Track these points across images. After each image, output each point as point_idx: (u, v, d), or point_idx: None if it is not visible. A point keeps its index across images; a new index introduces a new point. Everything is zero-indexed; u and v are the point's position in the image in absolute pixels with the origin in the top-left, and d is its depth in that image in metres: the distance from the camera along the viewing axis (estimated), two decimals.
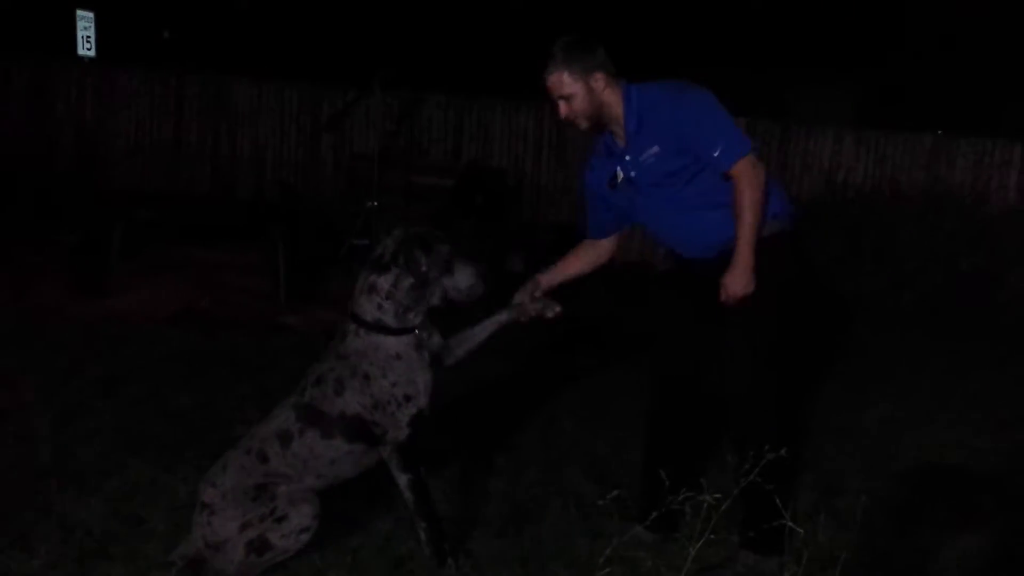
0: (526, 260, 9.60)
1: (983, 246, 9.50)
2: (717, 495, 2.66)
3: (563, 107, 3.54)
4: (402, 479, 3.37)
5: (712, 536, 2.71)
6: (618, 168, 3.64)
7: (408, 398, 3.37)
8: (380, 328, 3.38)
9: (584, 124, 3.58)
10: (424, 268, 3.37)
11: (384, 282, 3.40)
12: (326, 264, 8.35)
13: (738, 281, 3.43)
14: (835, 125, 11.50)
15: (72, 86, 12.17)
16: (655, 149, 3.50)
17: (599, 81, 3.48)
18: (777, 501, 2.91)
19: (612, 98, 3.52)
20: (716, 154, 3.42)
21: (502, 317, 3.74)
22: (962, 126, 11.21)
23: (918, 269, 9.25)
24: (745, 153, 3.43)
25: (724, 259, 3.46)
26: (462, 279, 3.47)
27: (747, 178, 3.42)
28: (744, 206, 3.42)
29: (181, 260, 8.10)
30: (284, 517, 3.23)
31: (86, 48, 12.30)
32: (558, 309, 3.84)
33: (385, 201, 9.52)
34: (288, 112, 12.00)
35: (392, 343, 3.39)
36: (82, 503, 3.70)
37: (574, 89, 3.49)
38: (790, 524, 2.82)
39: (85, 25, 12.27)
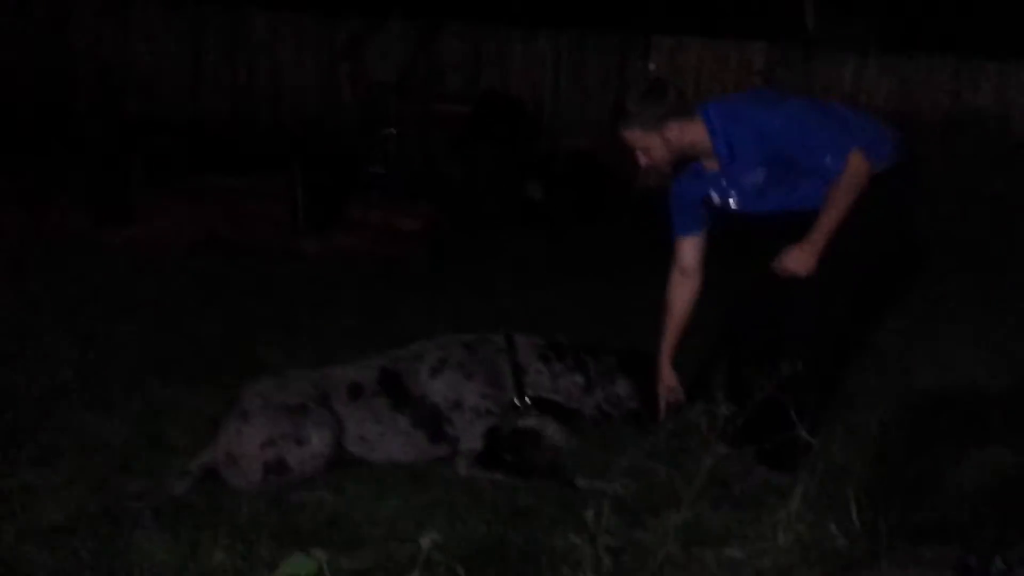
0: (545, 187, 9.56)
1: (1006, 171, 9.37)
2: (733, 407, 2.68)
3: (642, 158, 3.53)
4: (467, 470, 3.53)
5: (727, 449, 2.73)
6: (711, 192, 3.60)
7: (490, 412, 3.58)
8: (518, 375, 3.71)
9: (667, 169, 3.58)
10: (591, 375, 3.77)
11: (557, 367, 3.76)
12: (344, 191, 8.34)
13: (800, 259, 3.41)
14: (857, 48, 11.30)
15: (91, 18, 12.10)
16: (760, 172, 3.47)
17: (673, 130, 3.44)
18: (792, 415, 2.93)
19: (694, 135, 3.48)
20: (827, 161, 3.37)
21: (558, 435, 3.80)
22: (986, 49, 10.97)
23: (940, 194, 9.13)
24: (852, 147, 3.36)
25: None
26: (622, 389, 3.81)
27: (851, 171, 3.35)
28: (837, 197, 3.37)
29: (201, 188, 8.10)
30: (306, 439, 3.29)
31: None
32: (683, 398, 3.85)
33: (403, 130, 9.48)
34: (305, 41, 11.89)
35: (511, 385, 3.69)
36: (104, 422, 3.77)
37: (649, 142, 3.48)
38: (805, 437, 2.84)
39: None
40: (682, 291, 3.80)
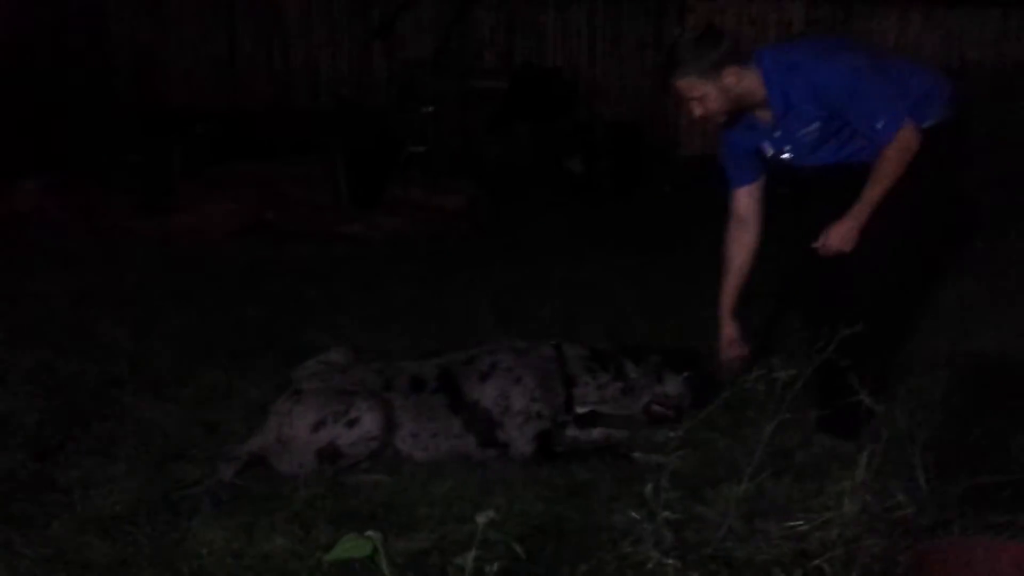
0: (584, 160, 9.48)
1: None
2: (792, 371, 2.61)
3: (697, 108, 3.36)
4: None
5: (788, 415, 2.67)
6: (765, 144, 3.50)
7: (540, 416, 3.52)
8: (568, 385, 3.64)
9: (721, 119, 3.44)
10: (633, 376, 3.70)
11: (602, 376, 3.68)
12: (385, 172, 8.32)
13: (842, 236, 3.35)
14: (899, 3, 11.05)
15: (127, 7, 12.16)
16: (815, 126, 3.37)
17: (731, 76, 3.29)
18: (854, 380, 2.86)
19: (750, 84, 3.33)
20: (879, 127, 3.26)
21: (618, 435, 3.73)
22: None
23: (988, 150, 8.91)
24: (904, 117, 3.26)
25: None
26: (671, 387, 3.71)
27: (900, 145, 3.26)
28: (883, 172, 3.28)
29: (242, 175, 8.12)
30: (357, 420, 3.27)
31: None
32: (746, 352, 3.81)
33: (441, 107, 9.43)
34: (339, 21, 11.86)
35: (562, 390, 3.63)
36: (159, 409, 3.78)
37: (706, 90, 3.31)
38: (868, 402, 2.76)
39: None
40: (740, 241, 3.71)
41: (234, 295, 5.44)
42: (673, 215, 8.18)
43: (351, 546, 1.84)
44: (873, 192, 3.30)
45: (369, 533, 2.22)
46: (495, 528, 2.84)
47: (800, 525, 2.81)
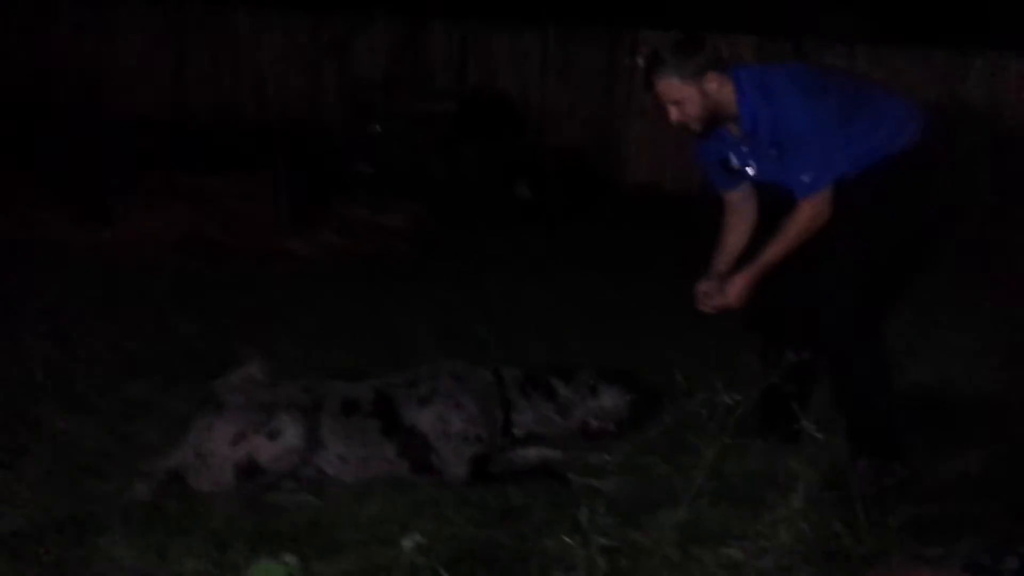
0: (532, 185, 9.44)
1: (998, 162, 9.24)
2: (736, 396, 2.54)
3: (674, 112, 3.35)
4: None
5: (728, 440, 2.60)
6: (731, 155, 3.51)
7: (478, 439, 3.42)
8: (506, 409, 3.54)
9: (697, 127, 3.40)
10: (563, 393, 3.59)
11: (536, 397, 3.59)
12: (329, 190, 8.21)
13: (737, 292, 3.41)
14: (847, 40, 11.20)
15: (72, 15, 11.95)
16: (773, 152, 3.38)
17: (712, 82, 3.29)
18: (794, 405, 2.81)
19: (727, 96, 3.33)
20: (806, 180, 3.29)
21: (555, 457, 3.62)
22: (977, 40, 10.88)
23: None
24: (825, 188, 3.30)
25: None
26: (607, 400, 3.60)
27: (810, 213, 3.32)
28: (790, 233, 3.33)
29: (183, 187, 7.95)
30: (278, 432, 3.14)
31: None
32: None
33: (389, 127, 9.36)
34: (290, 38, 11.76)
35: (499, 414, 3.53)
36: (75, 422, 3.62)
37: (686, 93, 3.29)
38: (808, 429, 2.71)
39: None
40: (736, 223, 3.64)
41: (165, 308, 5.27)
42: (618, 241, 8.16)
43: (266, 570, 1.73)
44: (774, 251, 3.36)
45: (286, 557, 2.11)
46: (423, 552, 2.75)
47: (736, 554, 2.74)
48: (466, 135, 10.11)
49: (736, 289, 3.43)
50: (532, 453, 3.59)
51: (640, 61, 11.18)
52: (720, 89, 3.29)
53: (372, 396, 3.40)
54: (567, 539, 2.68)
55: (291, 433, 3.14)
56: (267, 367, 3.53)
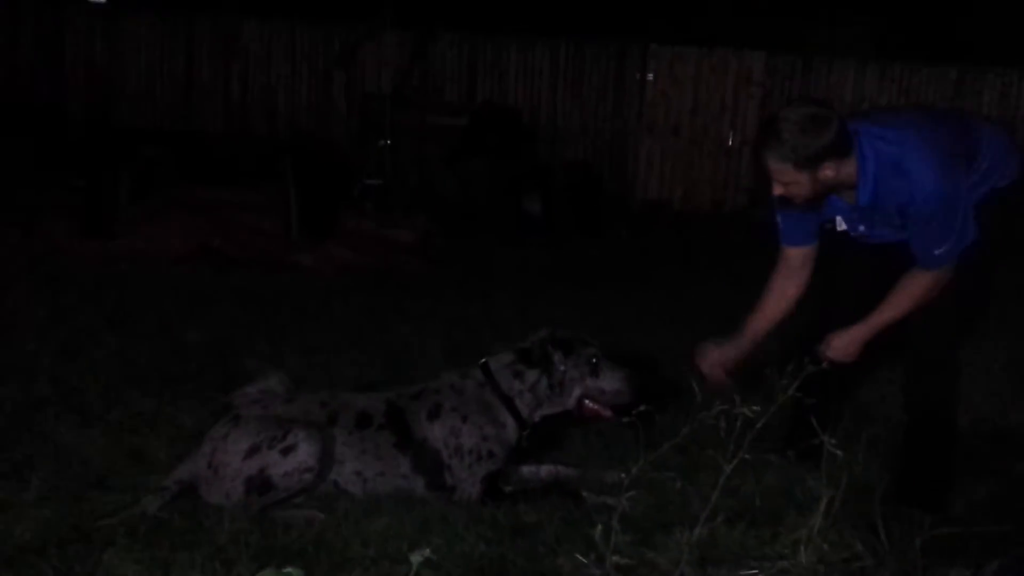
0: (542, 200, 9.41)
1: None
2: (755, 407, 2.48)
3: (779, 188, 3.10)
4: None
5: (747, 456, 2.53)
6: (839, 219, 3.30)
7: (491, 455, 3.33)
8: (509, 404, 3.40)
9: (802, 204, 3.16)
10: (562, 368, 3.38)
11: (531, 376, 3.40)
12: (338, 203, 8.18)
13: (843, 348, 3.25)
14: (857, 58, 11.18)
15: (83, 30, 12.00)
16: (898, 221, 3.17)
17: (829, 170, 3.02)
18: (813, 420, 2.74)
19: (846, 176, 3.08)
20: (937, 252, 3.09)
21: (568, 474, 3.52)
22: (987, 56, 10.86)
23: None
24: (953, 261, 3.12)
25: None
26: (608, 383, 3.41)
27: (936, 278, 3.13)
28: (906, 298, 3.16)
29: (193, 200, 7.94)
30: (292, 448, 3.08)
31: None
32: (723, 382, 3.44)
33: (398, 141, 9.34)
34: (299, 51, 11.78)
35: (506, 415, 3.39)
36: (81, 434, 3.56)
37: (797, 178, 3.04)
38: (830, 445, 2.64)
39: None
40: (784, 283, 3.41)
41: (173, 320, 5.23)
42: (628, 257, 8.13)
43: None
44: (886, 315, 3.20)
45: (289, 570, 2.05)
46: (432, 568, 2.69)
47: (754, 574, 2.68)
48: (475, 149, 10.09)
49: (844, 344, 3.25)
50: (545, 470, 3.51)
51: (650, 76, 11.20)
52: (838, 174, 3.05)
53: (384, 408, 3.34)
54: (581, 558, 2.62)
55: (304, 451, 3.08)
56: (286, 380, 3.48)
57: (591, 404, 3.43)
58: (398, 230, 8.00)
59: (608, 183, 10.80)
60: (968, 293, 3.29)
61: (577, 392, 3.42)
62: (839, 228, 3.30)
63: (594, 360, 3.40)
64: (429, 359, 4.71)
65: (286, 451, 3.07)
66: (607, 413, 3.42)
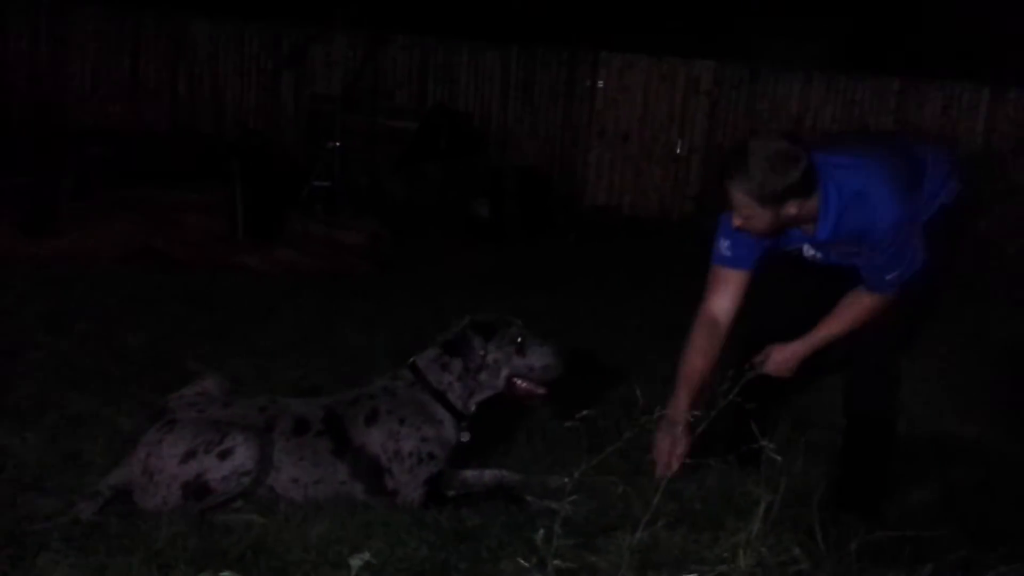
0: (491, 204, 9.42)
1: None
2: (696, 413, 2.50)
3: (739, 220, 3.07)
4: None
5: (688, 461, 2.55)
6: (805, 247, 3.29)
7: (432, 457, 3.31)
8: (442, 399, 3.37)
9: (759, 236, 3.16)
10: (483, 353, 3.35)
11: (456, 365, 3.37)
12: (286, 205, 8.11)
13: (781, 363, 3.29)
14: (804, 69, 11.33)
15: (26, 27, 11.77)
16: (856, 249, 3.16)
17: (791, 208, 3.00)
18: (753, 426, 2.77)
19: (807, 211, 3.06)
20: (888, 278, 3.13)
21: (512, 479, 3.48)
22: (930, 70, 11.05)
23: None
24: (894, 288, 3.15)
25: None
26: (536, 359, 3.37)
27: (880, 302, 3.17)
28: (848, 318, 3.21)
29: (137, 200, 7.80)
30: (230, 452, 3.04)
31: None
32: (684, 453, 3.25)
33: (348, 143, 9.28)
34: (248, 52, 11.66)
35: (442, 411, 3.37)
36: (15, 437, 3.49)
37: (759, 213, 3.02)
38: (769, 451, 2.67)
39: None
40: (703, 344, 3.30)
41: (114, 321, 5.15)
42: (576, 262, 8.16)
43: None
44: (827, 333, 3.24)
45: (226, 574, 2.02)
46: (372, 573, 2.67)
47: None
48: (426, 153, 10.08)
49: (783, 359, 3.28)
50: (489, 475, 3.50)
51: (600, 83, 11.25)
52: (800, 211, 3.04)
53: (322, 415, 3.31)
54: (523, 562, 2.60)
55: (243, 454, 3.04)
56: (224, 383, 3.43)
57: (522, 384, 3.39)
58: (346, 232, 7.94)
59: (558, 188, 10.82)
60: (914, 305, 3.34)
61: (505, 373, 3.38)
62: (806, 255, 3.31)
63: (519, 339, 3.37)
64: (376, 362, 4.68)
65: (223, 455, 3.03)
66: (540, 391, 3.39)
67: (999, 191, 8.85)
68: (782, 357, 3.28)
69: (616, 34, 11.98)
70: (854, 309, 3.21)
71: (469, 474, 3.48)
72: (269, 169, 8.38)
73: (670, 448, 3.23)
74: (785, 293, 3.56)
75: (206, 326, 5.27)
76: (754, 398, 2.90)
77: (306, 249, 7.44)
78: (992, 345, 5.81)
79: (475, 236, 8.85)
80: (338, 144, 9.08)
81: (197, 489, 3.00)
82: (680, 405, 3.23)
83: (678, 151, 11.29)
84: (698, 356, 3.30)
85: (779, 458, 2.71)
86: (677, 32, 12.46)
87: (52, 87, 11.76)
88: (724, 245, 3.29)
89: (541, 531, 2.50)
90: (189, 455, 3.01)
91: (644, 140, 11.30)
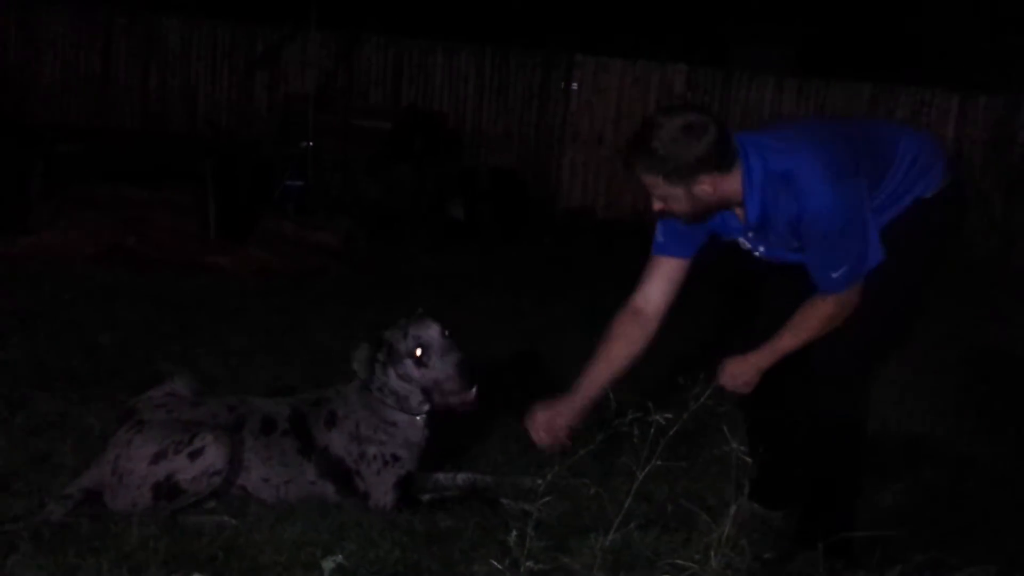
0: (465, 205, 9.42)
1: None
2: (668, 415, 2.51)
3: (657, 204, 2.89)
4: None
5: (660, 463, 2.57)
6: (742, 239, 3.07)
7: (396, 459, 3.29)
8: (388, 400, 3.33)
9: (687, 220, 2.95)
10: (381, 361, 3.29)
11: (392, 369, 3.30)
12: (258, 204, 8.07)
13: (737, 375, 3.03)
14: (776, 73, 11.41)
15: None
16: (795, 243, 2.94)
17: (705, 184, 2.78)
18: (724, 428, 2.79)
19: (729, 190, 2.84)
20: (835, 276, 2.84)
21: (485, 481, 3.48)
22: (902, 75, 11.17)
23: None
24: (856, 282, 2.88)
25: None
26: (438, 371, 3.25)
27: (840, 302, 2.89)
28: (807, 324, 2.94)
29: (107, 198, 7.72)
30: (200, 452, 3.02)
31: None
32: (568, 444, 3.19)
33: (321, 143, 9.25)
34: (220, 50, 11.60)
35: (393, 413, 3.32)
36: None
37: (671, 192, 2.82)
38: (740, 453, 2.69)
39: None
40: (629, 337, 3.16)
41: (83, 320, 5.11)
42: (550, 264, 8.17)
43: None
44: (785, 343, 2.98)
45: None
46: (345, 575, 2.66)
47: None
48: (399, 153, 10.05)
49: (738, 371, 3.04)
50: (462, 477, 3.50)
51: (575, 85, 11.28)
52: (717, 189, 2.81)
53: (287, 413, 3.30)
54: (496, 563, 2.61)
55: (213, 454, 3.02)
56: (193, 383, 3.41)
57: (439, 397, 3.29)
58: (319, 232, 7.91)
59: (532, 190, 10.83)
60: (887, 307, 3.04)
61: (416, 382, 3.29)
62: (744, 248, 3.12)
63: (417, 351, 3.26)
64: (347, 364, 4.66)
65: (194, 455, 3.02)
66: (458, 400, 3.25)
67: (969, 196, 8.95)
68: (737, 369, 3.04)
69: (591, 37, 12.04)
70: (810, 315, 2.94)
71: (442, 476, 3.48)
72: (241, 168, 8.35)
73: (548, 420, 3.14)
74: (762, 300, 3.48)
75: (177, 326, 5.24)
76: (728, 400, 2.91)
77: (278, 249, 7.40)
78: (964, 347, 5.87)
79: (449, 237, 8.84)
80: (311, 144, 9.05)
81: (168, 490, 2.99)
82: (585, 385, 3.13)
83: None
84: (615, 342, 3.17)
85: (749, 460, 2.74)
86: (651, 36, 12.53)
87: (21, 85, 11.63)
88: (658, 231, 3.13)
89: (514, 533, 2.51)
90: (159, 456, 2.99)
91: (618, 143, 11.34)
